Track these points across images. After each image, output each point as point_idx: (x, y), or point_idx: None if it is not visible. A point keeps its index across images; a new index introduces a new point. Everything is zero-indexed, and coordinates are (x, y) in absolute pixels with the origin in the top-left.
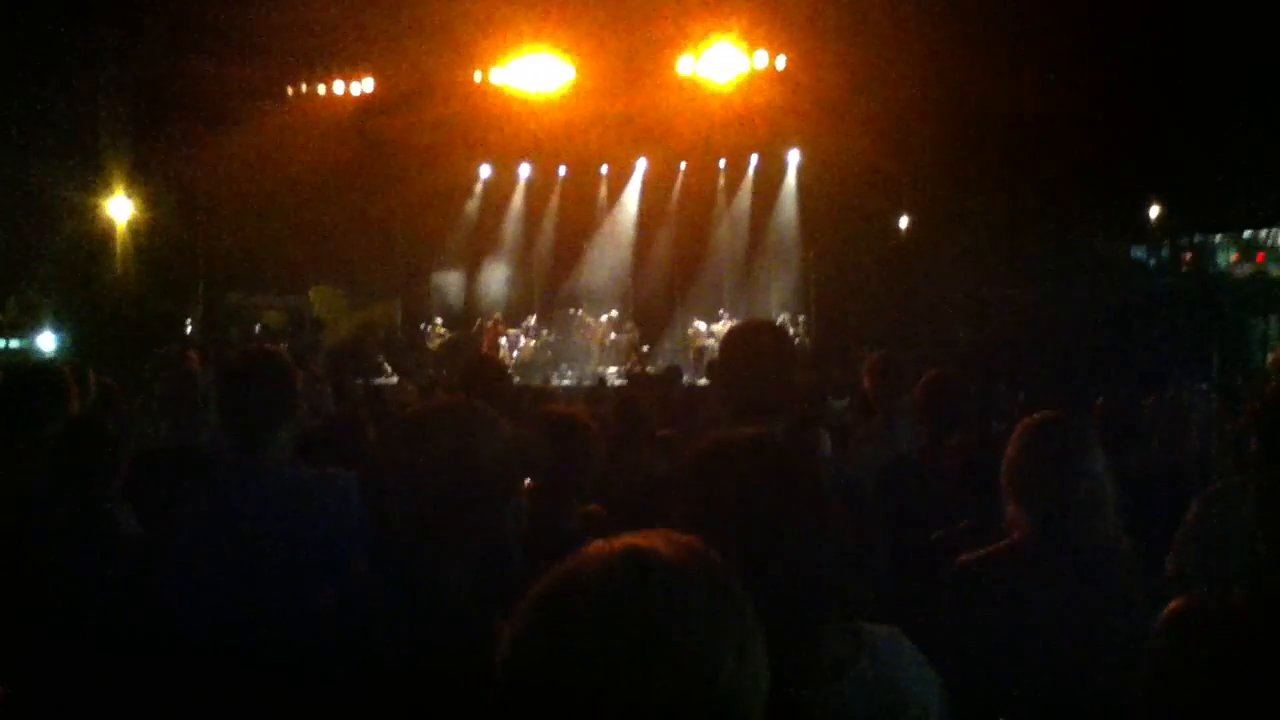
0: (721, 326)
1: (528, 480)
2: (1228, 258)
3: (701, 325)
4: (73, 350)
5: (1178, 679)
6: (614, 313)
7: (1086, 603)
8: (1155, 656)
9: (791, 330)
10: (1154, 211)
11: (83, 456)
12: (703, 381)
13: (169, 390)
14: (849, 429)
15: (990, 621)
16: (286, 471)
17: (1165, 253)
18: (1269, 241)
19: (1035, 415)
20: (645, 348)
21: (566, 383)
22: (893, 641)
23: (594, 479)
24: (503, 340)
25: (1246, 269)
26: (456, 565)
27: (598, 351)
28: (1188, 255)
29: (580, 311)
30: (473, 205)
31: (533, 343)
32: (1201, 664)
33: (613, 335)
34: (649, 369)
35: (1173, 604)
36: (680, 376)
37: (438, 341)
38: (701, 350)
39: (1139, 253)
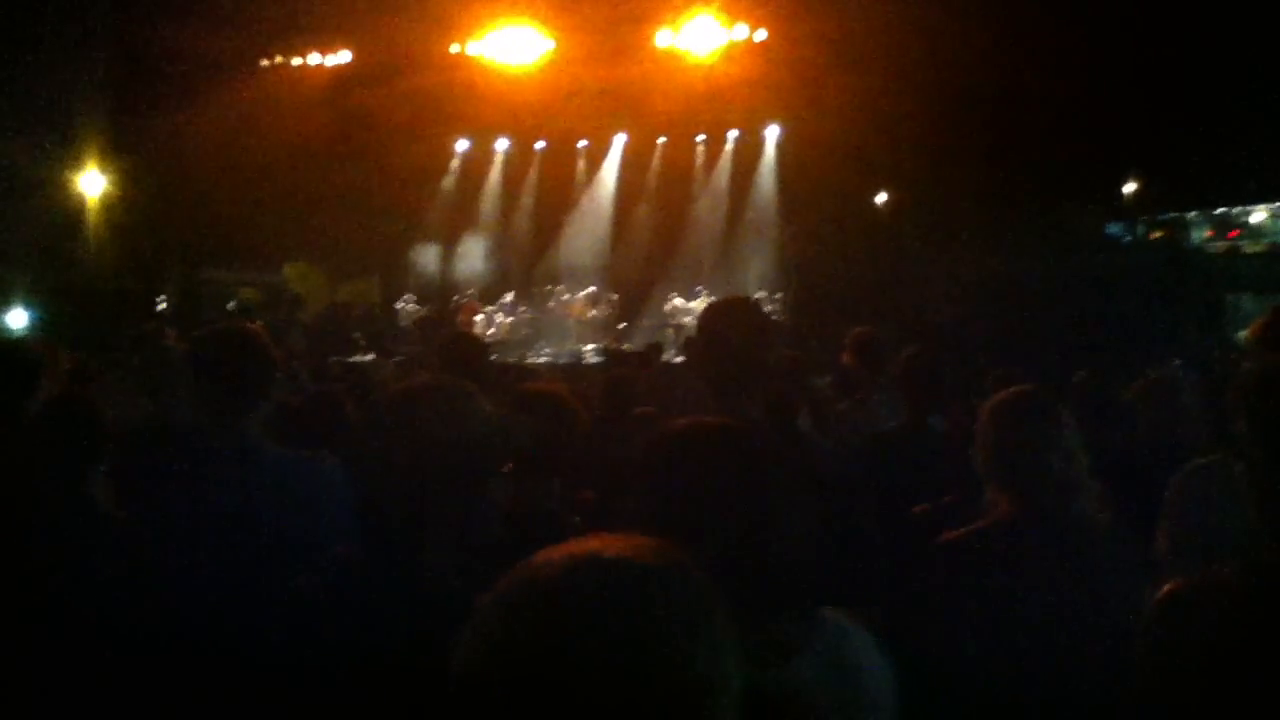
0: (699, 303)
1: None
2: (1202, 234)
3: (680, 302)
4: (45, 328)
5: (1172, 660)
6: (592, 289)
7: (1068, 580)
8: (1148, 638)
9: (770, 307)
10: (1130, 187)
11: (63, 435)
12: (680, 359)
13: (148, 367)
14: (828, 405)
15: (974, 600)
16: (265, 451)
17: (1140, 229)
18: (1243, 219)
19: (1003, 391)
20: (622, 325)
21: (544, 359)
22: (847, 625)
23: (575, 457)
24: (479, 317)
25: (1221, 245)
26: (442, 546)
27: (575, 328)
28: (1159, 232)
29: (559, 288)
30: (450, 180)
31: (510, 320)
32: (1195, 644)
33: (592, 312)
34: (627, 346)
35: (1166, 586)
36: (660, 353)
37: (413, 319)
38: (680, 327)
39: (1114, 229)
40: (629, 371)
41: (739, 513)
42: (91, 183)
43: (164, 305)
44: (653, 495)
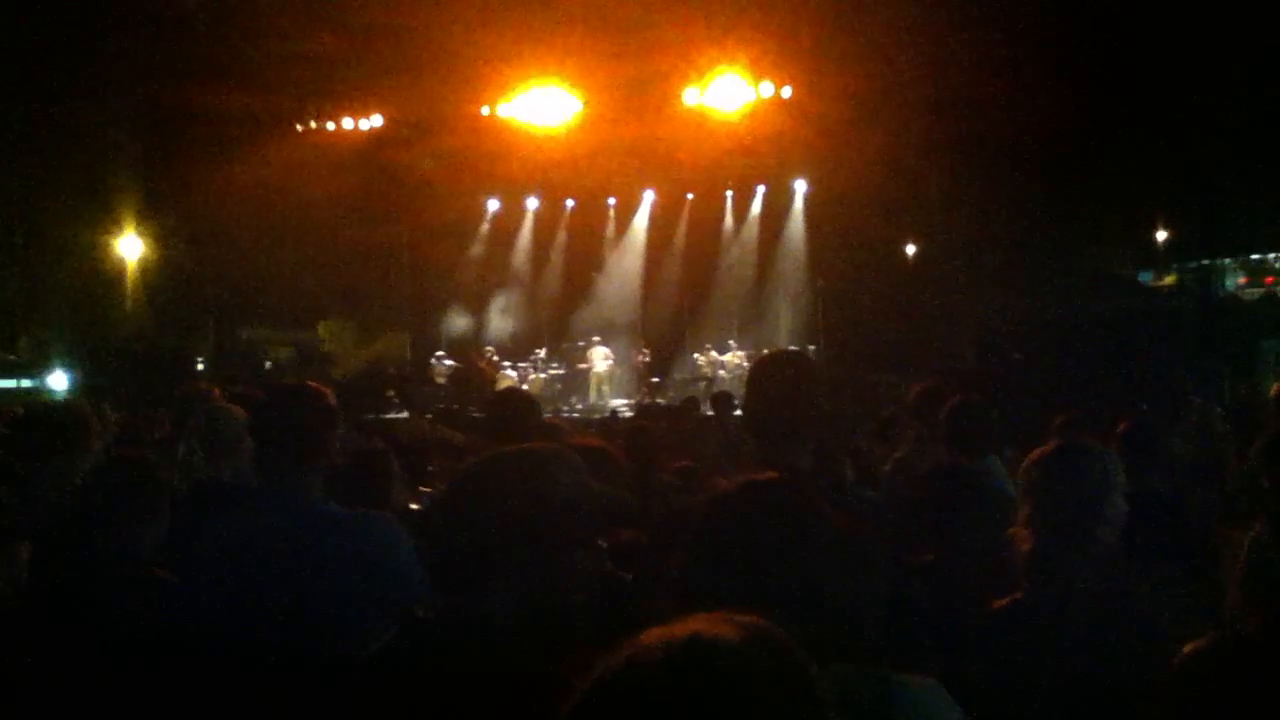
0: (731, 357)
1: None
2: (1236, 280)
3: (712, 355)
4: (84, 389)
5: (1194, 716)
6: (599, 345)
7: (1099, 643)
8: (1172, 694)
9: None
10: (1161, 235)
11: (117, 496)
12: (710, 413)
13: (204, 428)
14: (868, 456)
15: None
16: (325, 510)
17: (1173, 276)
18: (1277, 264)
19: (1055, 442)
20: (655, 379)
21: (577, 414)
22: (928, 693)
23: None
24: (512, 373)
25: (1255, 292)
26: (503, 598)
27: (604, 382)
28: (1192, 279)
29: (594, 340)
30: (481, 238)
31: (542, 375)
32: (1218, 701)
33: (607, 364)
34: (659, 400)
35: (1189, 645)
36: (697, 408)
37: (443, 376)
38: (712, 380)
39: (1146, 276)
40: (648, 422)
41: (801, 571)
42: (130, 245)
43: (201, 364)
44: (712, 555)
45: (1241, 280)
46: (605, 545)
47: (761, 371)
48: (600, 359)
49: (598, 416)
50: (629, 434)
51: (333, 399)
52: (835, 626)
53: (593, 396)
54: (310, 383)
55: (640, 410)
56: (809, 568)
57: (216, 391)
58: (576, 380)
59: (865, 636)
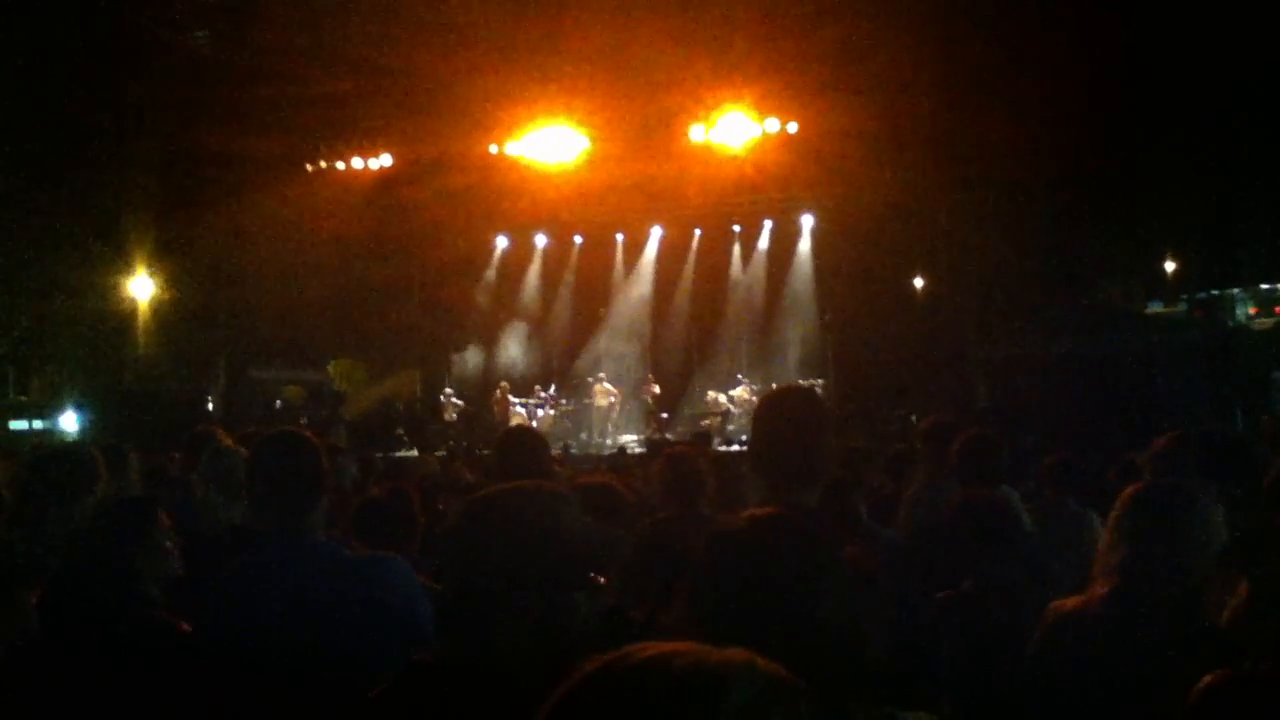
0: (740, 392)
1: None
2: (1246, 311)
3: (721, 394)
4: (101, 430)
5: None
6: (603, 380)
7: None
8: None
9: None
10: (1170, 266)
11: (118, 537)
12: (723, 448)
13: (218, 468)
14: (881, 493)
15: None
16: (326, 551)
17: (1183, 307)
18: None
19: (1145, 482)
20: (664, 414)
21: (589, 451)
22: None
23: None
24: (521, 409)
25: (1266, 322)
26: (520, 649)
27: (614, 418)
28: (1201, 310)
29: (599, 378)
30: (490, 276)
31: (552, 412)
32: None
33: (610, 399)
34: (668, 436)
35: (1207, 677)
36: (710, 442)
37: (454, 413)
38: (723, 415)
39: (1156, 307)
40: (692, 448)
41: (803, 607)
42: (141, 286)
43: (212, 405)
44: (713, 591)
45: (1252, 310)
46: (604, 582)
47: (769, 408)
48: (602, 395)
49: (595, 452)
50: (670, 463)
51: (317, 444)
52: (839, 662)
53: (595, 433)
54: (293, 429)
55: (650, 446)
56: (811, 603)
57: (221, 434)
58: (586, 416)
59: (869, 673)
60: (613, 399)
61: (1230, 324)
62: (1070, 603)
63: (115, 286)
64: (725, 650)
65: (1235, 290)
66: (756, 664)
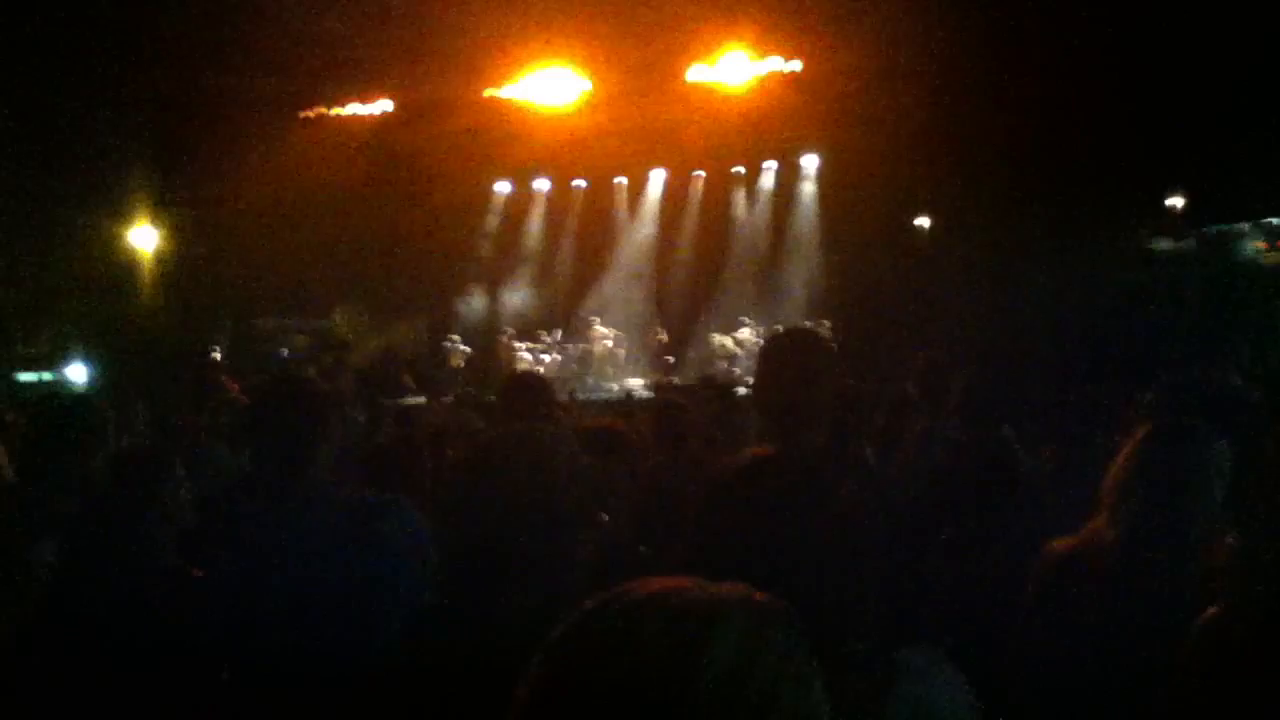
0: (745, 334)
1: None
2: (1255, 246)
3: (726, 337)
4: (103, 382)
5: (1203, 686)
6: (599, 326)
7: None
8: (1189, 658)
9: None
10: (1178, 201)
11: (128, 488)
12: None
13: (227, 419)
14: (884, 435)
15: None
16: (331, 497)
17: (1190, 242)
18: None
19: (1163, 420)
20: (670, 358)
21: (595, 396)
22: (930, 665)
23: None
24: (527, 355)
25: (1274, 257)
26: (523, 592)
27: (599, 364)
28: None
29: (591, 321)
30: (492, 221)
31: (557, 357)
32: (1233, 668)
33: (607, 342)
34: (675, 379)
35: (1209, 610)
36: (715, 386)
37: (460, 359)
38: (729, 358)
39: (1163, 243)
40: (680, 397)
41: (801, 547)
42: (144, 236)
43: (218, 354)
44: (715, 529)
45: (1260, 245)
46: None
47: (773, 350)
48: (599, 339)
49: (599, 398)
50: (660, 413)
51: (320, 388)
52: (838, 601)
53: (594, 377)
54: (296, 374)
55: (658, 389)
56: (811, 543)
57: (234, 385)
58: (592, 360)
59: (870, 612)
60: (608, 342)
61: (1238, 259)
62: (1070, 541)
63: (119, 237)
64: (722, 585)
65: (1245, 225)
66: (752, 598)
